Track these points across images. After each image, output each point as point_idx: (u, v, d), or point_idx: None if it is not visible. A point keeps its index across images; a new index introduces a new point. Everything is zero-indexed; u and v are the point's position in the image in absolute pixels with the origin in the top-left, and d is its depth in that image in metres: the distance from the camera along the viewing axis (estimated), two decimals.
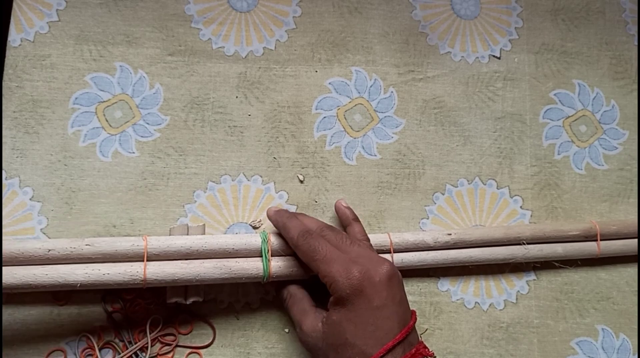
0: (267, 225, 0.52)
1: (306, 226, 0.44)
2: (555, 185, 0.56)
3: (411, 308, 0.41)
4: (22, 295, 0.48)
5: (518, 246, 0.51)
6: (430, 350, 0.38)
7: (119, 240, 0.43)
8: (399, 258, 0.48)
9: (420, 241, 0.49)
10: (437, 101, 0.57)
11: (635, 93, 0.59)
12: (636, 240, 0.53)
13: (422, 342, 0.39)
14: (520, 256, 0.50)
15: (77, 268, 0.42)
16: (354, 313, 0.38)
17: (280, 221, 0.46)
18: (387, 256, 0.48)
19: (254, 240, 0.46)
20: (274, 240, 0.46)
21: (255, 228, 0.52)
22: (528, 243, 0.51)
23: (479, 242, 0.50)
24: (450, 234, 0.49)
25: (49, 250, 0.42)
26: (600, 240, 0.52)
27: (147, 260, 0.43)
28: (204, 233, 0.48)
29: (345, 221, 0.49)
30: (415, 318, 0.40)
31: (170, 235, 0.47)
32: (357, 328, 0.38)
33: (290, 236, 0.44)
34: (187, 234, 0.47)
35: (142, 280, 0.42)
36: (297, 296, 0.45)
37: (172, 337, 0.48)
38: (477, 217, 0.54)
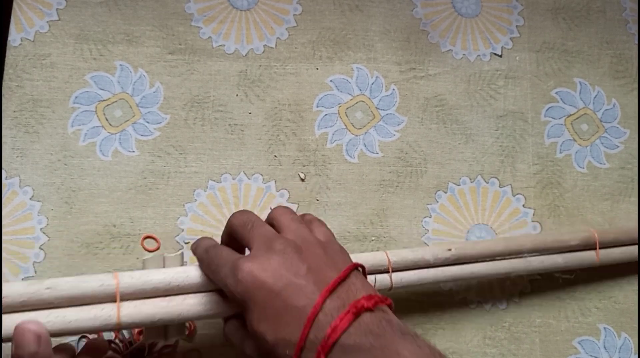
0: None
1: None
2: (557, 184, 0.56)
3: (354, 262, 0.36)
4: None
5: (519, 259, 0.49)
6: (378, 296, 0.33)
7: (86, 280, 0.37)
8: (398, 278, 0.45)
9: (419, 258, 0.45)
10: (438, 99, 0.56)
11: (636, 92, 0.59)
12: (635, 247, 0.52)
13: (372, 295, 0.32)
14: (522, 269, 0.48)
15: (38, 316, 0.35)
16: (261, 311, 0.32)
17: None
18: (385, 276, 0.44)
19: None
20: None
21: None
22: (529, 255, 0.49)
23: (479, 256, 0.48)
24: (450, 250, 0.46)
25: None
26: (600, 248, 0.51)
27: (121, 300, 0.37)
28: (183, 264, 0.42)
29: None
30: (351, 268, 0.34)
31: (143, 267, 0.40)
32: (271, 323, 0.32)
33: (199, 255, 0.39)
34: (164, 266, 0.41)
35: (115, 324, 0.37)
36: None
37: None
38: (479, 216, 0.54)
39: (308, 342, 0.30)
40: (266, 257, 0.34)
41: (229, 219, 0.39)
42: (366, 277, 0.37)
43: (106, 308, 0.37)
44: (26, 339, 0.32)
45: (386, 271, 0.44)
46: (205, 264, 0.37)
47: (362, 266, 0.36)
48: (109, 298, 0.37)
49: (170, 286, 0.38)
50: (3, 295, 0.34)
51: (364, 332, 0.30)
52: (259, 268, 0.33)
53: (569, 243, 0.50)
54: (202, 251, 0.38)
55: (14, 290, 0.35)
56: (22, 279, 0.48)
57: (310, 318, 0.31)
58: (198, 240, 0.40)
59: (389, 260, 0.44)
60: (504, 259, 0.49)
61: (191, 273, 0.38)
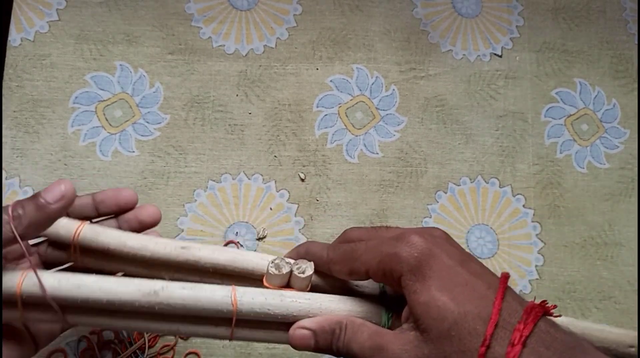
0: (270, 233, 0.52)
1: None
2: (558, 184, 0.56)
3: None
4: None
5: None
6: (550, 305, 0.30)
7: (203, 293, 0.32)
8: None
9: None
10: (438, 99, 0.56)
11: (636, 92, 0.59)
12: None
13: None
14: None
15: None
16: (441, 280, 0.29)
17: (302, 249, 0.37)
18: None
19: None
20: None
21: (261, 238, 0.51)
22: None
23: None
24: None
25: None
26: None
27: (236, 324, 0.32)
28: (309, 286, 0.35)
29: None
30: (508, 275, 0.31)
31: (266, 281, 0.35)
32: (455, 294, 0.28)
33: (318, 256, 0.35)
34: (288, 283, 0.34)
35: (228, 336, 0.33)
36: (356, 323, 0.32)
37: (172, 336, 0.48)
38: (479, 216, 0.54)
39: (501, 320, 0.28)
40: (430, 235, 0.31)
41: (345, 232, 0.36)
42: None
43: (220, 329, 0.33)
44: (52, 192, 0.32)
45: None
46: (343, 255, 0.33)
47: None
48: (224, 318, 0.32)
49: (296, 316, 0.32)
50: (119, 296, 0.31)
51: (559, 328, 0.29)
52: (430, 240, 0.31)
53: None
54: (330, 249, 0.34)
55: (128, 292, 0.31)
56: None
57: (500, 296, 0.28)
58: (309, 244, 0.36)
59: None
60: None
61: (324, 302, 0.32)
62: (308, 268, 0.33)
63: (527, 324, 0.27)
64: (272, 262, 0.33)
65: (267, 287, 0.33)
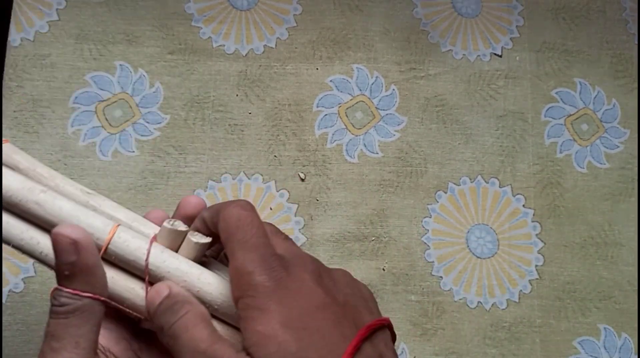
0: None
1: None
2: (558, 184, 0.56)
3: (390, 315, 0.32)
4: (22, 295, 0.48)
5: None
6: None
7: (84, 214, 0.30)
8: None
9: None
10: (438, 99, 0.56)
11: (636, 92, 0.59)
12: None
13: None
14: None
15: (15, 225, 0.30)
16: (287, 317, 0.26)
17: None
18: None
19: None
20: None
21: None
22: None
23: None
24: None
25: None
26: None
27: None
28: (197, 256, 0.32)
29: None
30: (374, 327, 0.28)
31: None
32: (301, 336, 0.25)
33: (220, 204, 0.30)
34: (178, 247, 0.32)
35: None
36: (205, 316, 0.28)
37: None
38: (479, 216, 0.54)
39: None
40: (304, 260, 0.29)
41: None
42: None
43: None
44: (61, 247, 0.27)
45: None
46: (231, 223, 0.29)
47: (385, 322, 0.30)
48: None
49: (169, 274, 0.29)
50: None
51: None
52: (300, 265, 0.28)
53: None
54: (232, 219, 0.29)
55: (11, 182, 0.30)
56: (22, 279, 0.48)
57: (348, 354, 0.25)
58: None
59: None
60: None
61: (210, 280, 0.30)
62: (204, 238, 0.31)
63: None
64: (171, 219, 0.31)
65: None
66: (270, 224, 0.32)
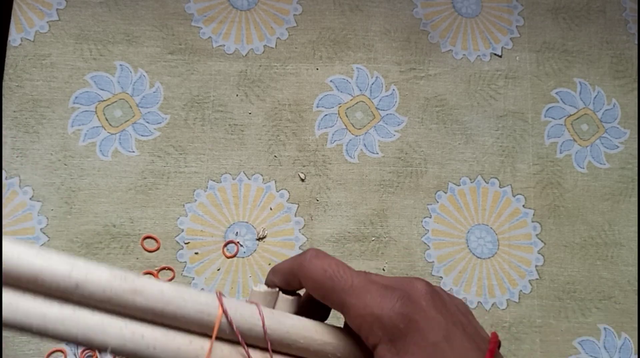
0: (270, 233, 0.52)
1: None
2: (558, 184, 0.56)
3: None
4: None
5: None
6: None
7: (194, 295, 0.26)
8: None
9: None
10: (438, 99, 0.56)
11: (636, 92, 0.59)
12: None
13: None
14: None
15: (112, 323, 0.25)
16: (417, 354, 0.26)
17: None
18: None
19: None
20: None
21: (261, 238, 0.51)
22: None
23: None
24: None
25: (77, 285, 0.25)
26: None
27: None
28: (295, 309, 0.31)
29: None
30: (497, 342, 0.28)
31: (250, 298, 0.30)
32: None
33: (292, 262, 0.29)
34: (274, 306, 0.30)
35: None
36: None
37: None
38: (479, 216, 0.54)
39: None
40: (410, 296, 0.28)
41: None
42: None
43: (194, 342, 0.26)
44: None
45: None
46: (328, 279, 0.28)
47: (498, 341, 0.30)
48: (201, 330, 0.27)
49: (295, 343, 0.28)
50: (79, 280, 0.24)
51: None
52: (411, 305, 0.27)
53: None
54: (319, 267, 0.28)
55: (95, 278, 0.25)
56: None
57: None
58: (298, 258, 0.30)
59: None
60: None
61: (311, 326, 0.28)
62: (295, 293, 0.30)
63: None
64: (256, 285, 0.30)
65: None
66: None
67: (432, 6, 0.59)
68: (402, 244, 0.53)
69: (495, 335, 0.28)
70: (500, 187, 0.55)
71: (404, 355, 0.26)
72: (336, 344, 0.28)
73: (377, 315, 0.26)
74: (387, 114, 0.56)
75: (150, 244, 0.50)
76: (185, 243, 0.50)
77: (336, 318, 0.29)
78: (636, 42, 0.60)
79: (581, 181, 0.56)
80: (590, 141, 0.57)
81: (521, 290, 0.53)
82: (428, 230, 0.53)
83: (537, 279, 0.53)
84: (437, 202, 0.54)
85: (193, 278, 0.50)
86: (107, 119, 0.52)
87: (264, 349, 0.27)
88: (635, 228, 0.55)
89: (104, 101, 0.53)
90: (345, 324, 0.29)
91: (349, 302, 0.27)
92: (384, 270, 0.52)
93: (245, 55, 0.55)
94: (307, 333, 0.28)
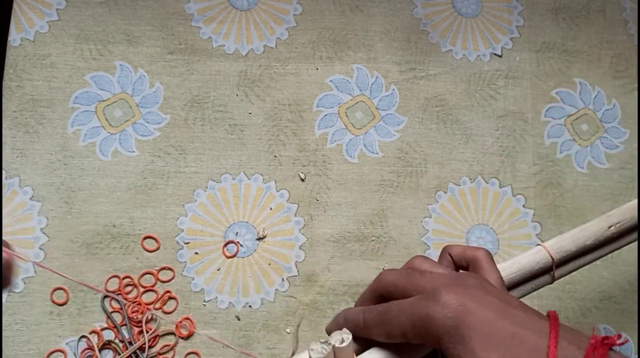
0: (270, 233, 0.52)
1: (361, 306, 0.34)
2: (558, 184, 0.56)
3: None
4: (22, 295, 0.48)
5: None
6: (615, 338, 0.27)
7: None
8: (560, 274, 0.39)
9: (580, 247, 0.38)
10: (438, 99, 0.56)
11: (636, 92, 0.59)
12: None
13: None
14: None
15: None
16: (484, 338, 0.27)
17: (340, 318, 0.34)
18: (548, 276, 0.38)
19: None
20: None
21: (261, 238, 0.51)
22: None
23: (634, 224, 0.40)
24: (611, 227, 0.39)
25: None
26: None
27: None
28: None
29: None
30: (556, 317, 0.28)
31: None
32: (502, 351, 0.26)
33: (355, 322, 0.32)
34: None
35: None
36: None
37: (172, 337, 0.48)
38: (479, 216, 0.54)
39: None
40: (462, 285, 0.29)
41: (379, 278, 0.33)
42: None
43: None
44: None
45: (549, 270, 0.38)
46: (377, 319, 0.31)
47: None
48: None
49: None
50: None
51: None
52: (462, 292, 0.28)
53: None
54: (365, 312, 0.32)
55: None
56: (22, 279, 0.48)
57: (553, 345, 0.26)
58: (345, 311, 0.33)
59: (552, 258, 0.37)
60: None
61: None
62: (345, 336, 0.31)
63: None
64: (310, 350, 0.31)
65: None
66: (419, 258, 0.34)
67: (432, 6, 0.59)
68: (402, 244, 0.52)
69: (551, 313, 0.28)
70: (500, 187, 0.55)
71: (463, 341, 0.26)
72: None
73: (426, 315, 0.27)
74: (387, 114, 0.56)
75: (150, 244, 0.50)
76: (185, 243, 0.50)
77: None
78: (636, 42, 0.60)
79: (581, 181, 0.56)
80: (590, 141, 0.57)
81: None
82: (428, 230, 0.53)
83: None
84: (437, 202, 0.54)
85: (193, 278, 0.50)
86: (107, 119, 0.52)
87: None
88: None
89: (104, 101, 0.53)
90: None
91: (400, 321, 0.29)
92: (384, 269, 0.52)
93: (245, 55, 0.55)
94: None
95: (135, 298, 0.49)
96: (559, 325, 0.26)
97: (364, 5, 0.58)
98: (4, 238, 0.49)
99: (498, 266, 0.35)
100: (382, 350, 0.30)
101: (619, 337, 0.26)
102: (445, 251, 0.35)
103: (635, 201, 0.41)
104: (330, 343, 0.30)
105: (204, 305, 0.49)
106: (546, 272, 0.38)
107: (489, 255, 0.34)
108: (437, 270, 0.32)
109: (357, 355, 0.31)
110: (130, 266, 0.49)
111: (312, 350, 0.30)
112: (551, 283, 0.38)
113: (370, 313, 0.31)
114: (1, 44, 0.53)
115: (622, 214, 0.40)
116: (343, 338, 0.31)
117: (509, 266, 0.36)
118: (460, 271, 0.35)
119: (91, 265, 0.49)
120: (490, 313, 0.27)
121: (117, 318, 0.48)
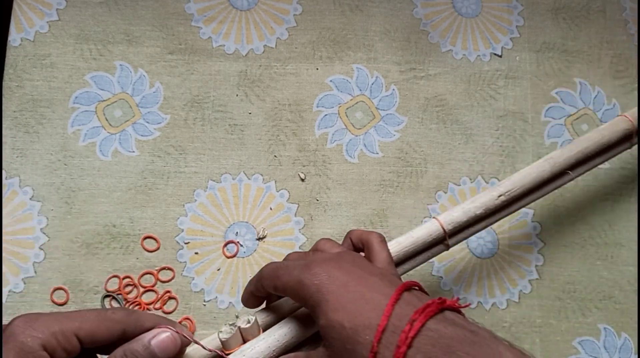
0: (270, 233, 0.52)
1: None
2: None
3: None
4: (22, 295, 0.48)
5: (563, 177, 0.45)
6: (457, 301, 0.32)
7: None
8: (453, 242, 0.43)
9: (471, 217, 0.43)
10: (438, 99, 0.56)
11: (636, 92, 0.59)
12: None
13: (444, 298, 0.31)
14: (567, 180, 0.46)
15: None
16: (336, 300, 0.31)
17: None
18: (442, 245, 0.43)
19: None
20: None
21: (261, 238, 0.51)
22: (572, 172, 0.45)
23: (528, 191, 0.44)
24: (501, 196, 0.43)
25: None
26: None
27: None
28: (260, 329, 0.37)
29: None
30: (413, 283, 0.33)
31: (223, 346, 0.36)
32: (348, 310, 0.31)
33: (258, 274, 0.37)
34: (242, 338, 0.36)
35: None
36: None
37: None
38: None
39: (390, 325, 0.29)
40: (336, 260, 0.34)
41: (286, 257, 0.39)
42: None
43: None
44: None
45: (442, 240, 0.42)
46: (272, 273, 0.36)
47: (418, 285, 0.35)
48: None
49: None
50: None
51: (451, 323, 0.29)
52: (333, 265, 0.33)
53: (608, 142, 0.46)
54: (266, 266, 0.37)
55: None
56: (22, 279, 0.48)
57: (390, 303, 0.30)
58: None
59: (444, 229, 0.42)
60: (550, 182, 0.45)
61: (276, 332, 0.35)
62: (250, 318, 0.35)
63: (413, 325, 0.29)
64: (219, 332, 0.35)
65: (228, 354, 0.35)
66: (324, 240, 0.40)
67: (432, 6, 0.59)
68: None
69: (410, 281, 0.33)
70: None
71: (320, 304, 0.32)
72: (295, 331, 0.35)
73: (299, 280, 0.33)
74: (387, 114, 0.56)
75: (150, 244, 0.50)
76: (185, 243, 0.50)
77: None
78: (636, 42, 0.60)
79: (582, 181, 0.56)
80: None
81: (521, 290, 0.53)
82: None
83: (537, 279, 0.53)
84: (437, 202, 0.54)
85: (193, 278, 0.50)
86: (107, 119, 0.52)
87: None
88: (635, 228, 0.55)
89: (104, 101, 0.53)
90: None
91: (283, 278, 0.35)
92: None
93: (245, 55, 0.55)
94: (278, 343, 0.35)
95: (135, 298, 0.49)
96: (405, 289, 0.31)
97: (364, 5, 0.58)
98: (4, 238, 0.49)
99: (394, 240, 0.41)
100: (284, 326, 0.35)
101: (458, 299, 0.32)
102: (348, 235, 0.41)
103: (524, 169, 0.45)
104: (236, 325, 0.35)
105: (204, 305, 0.49)
106: (440, 242, 0.42)
107: (380, 237, 0.39)
108: (334, 250, 0.38)
109: (264, 330, 0.36)
110: (130, 266, 0.49)
111: (220, 332, 0.35)
112: (447, 250, 0.43)
113: (267, 267, 0.36)
114: (1, 44, 0.54)
115: (511, 183, 0.44)
116: (249, 319, 0.35)
117: (404, 240, 0.41)
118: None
119: (91, 265, 0.49)
120: (350, 280, 0.32)
121: None
